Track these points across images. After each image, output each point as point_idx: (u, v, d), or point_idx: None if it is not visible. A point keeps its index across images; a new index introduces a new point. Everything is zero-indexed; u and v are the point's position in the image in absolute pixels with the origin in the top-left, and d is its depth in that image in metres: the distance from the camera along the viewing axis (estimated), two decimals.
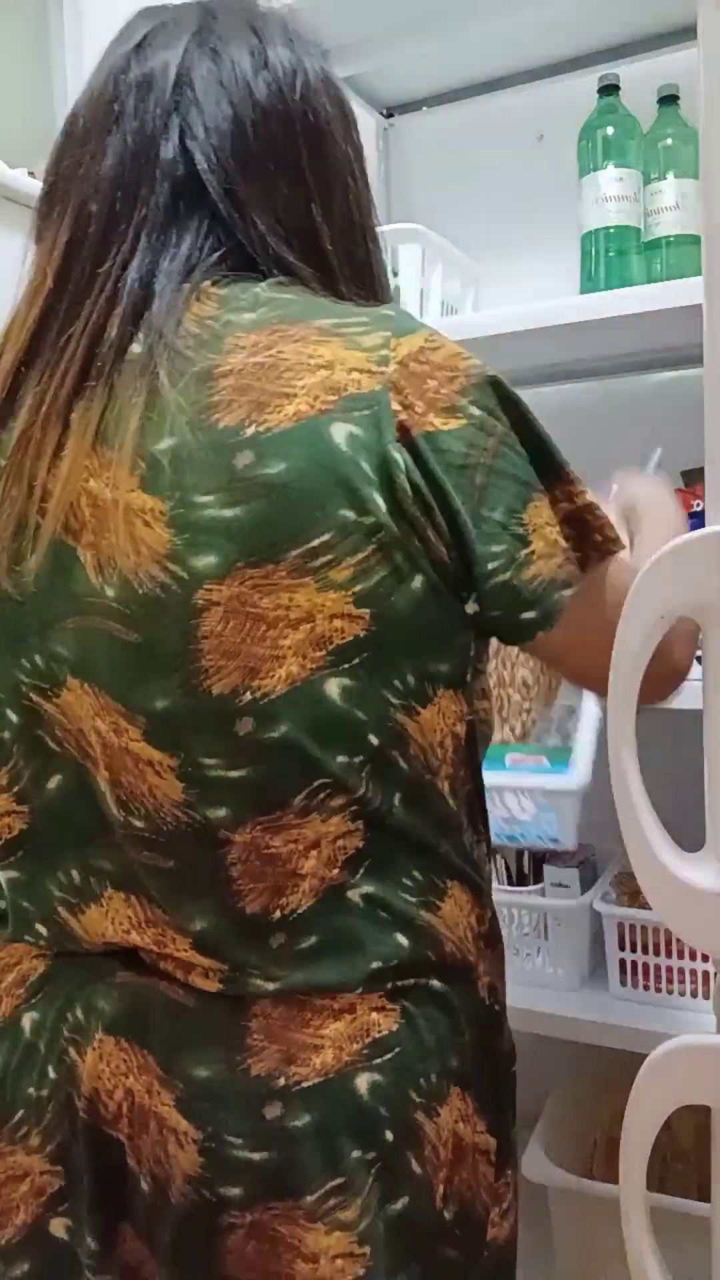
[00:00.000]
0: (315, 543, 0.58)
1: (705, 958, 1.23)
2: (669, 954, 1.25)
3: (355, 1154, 0.62)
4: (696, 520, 1.19)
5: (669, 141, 1.31)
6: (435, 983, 0.67)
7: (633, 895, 1.31)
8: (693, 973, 1.24)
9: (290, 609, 0.59)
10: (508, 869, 1.40)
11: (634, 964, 1.27)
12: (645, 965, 1.27)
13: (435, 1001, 0.66)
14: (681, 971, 1.25)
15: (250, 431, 0.59)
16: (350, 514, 0.58)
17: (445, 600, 0.63)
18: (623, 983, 1.28)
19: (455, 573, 0.62)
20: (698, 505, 1.28)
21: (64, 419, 0.62)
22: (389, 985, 0.65)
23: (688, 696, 1.09)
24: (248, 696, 0.60)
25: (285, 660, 0.59)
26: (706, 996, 1.24)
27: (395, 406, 0.59)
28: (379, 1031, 0.64)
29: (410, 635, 0.62)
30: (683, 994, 1.25)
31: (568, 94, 1.55)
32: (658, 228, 1.31)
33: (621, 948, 1.27)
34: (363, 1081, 0.63)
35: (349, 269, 0.70)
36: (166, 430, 0.60)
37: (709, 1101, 0.61)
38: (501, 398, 0.64)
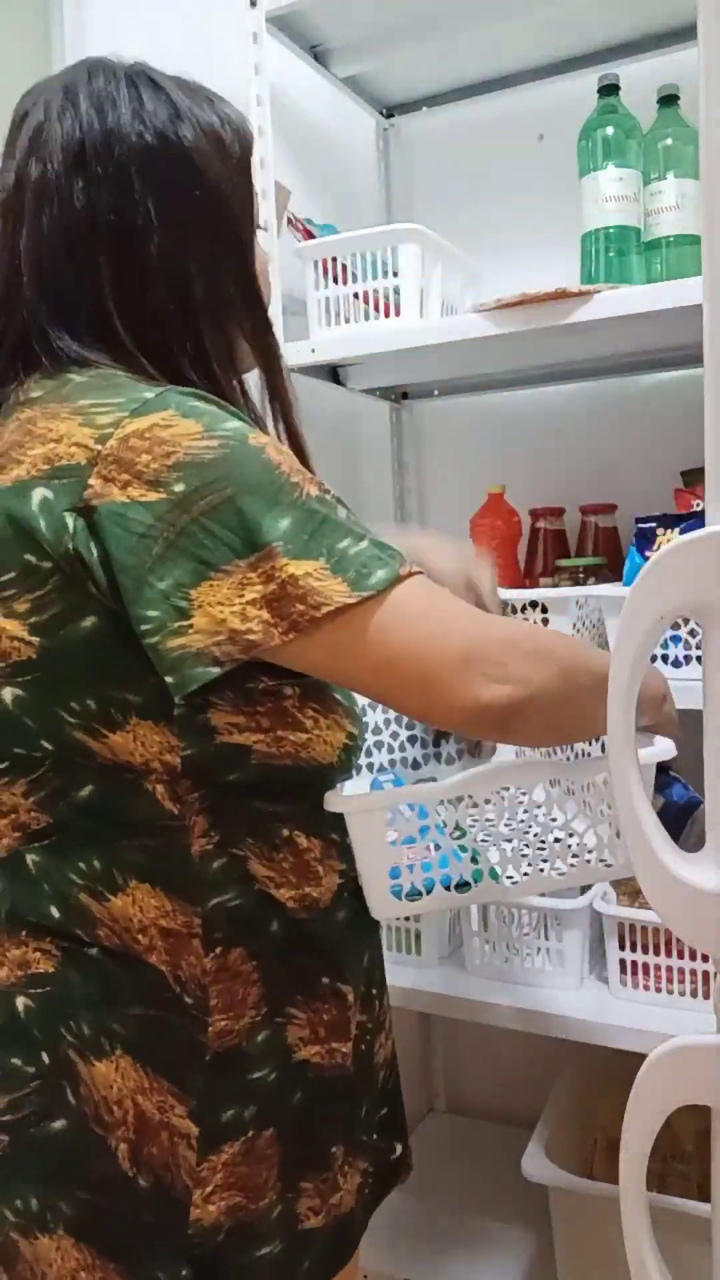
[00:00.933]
0: (3, 578, 0.69)
1: (705, 958, 1.23)
2: (669, 954, 1.25)
3: (14, 1061, 0.75)
4: (696, 520, 1.20)
5: (669, 141, 1.31)
6: (92, 951, 0.74)
7: (633, 895, 1.31)
8: (693, 973, 1.24)
9: None
10: None
11: (634, 964, 1.27)
12: (645, 965, 1.27)
13: (91, 966, 0.74)
14: (681, 971, 1.25)
15: None
16: (32, 558, 0.68)
17: (130, 641, 0.68)
18: (623, 983, 1.28)
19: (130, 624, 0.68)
20: (698, 505, 1.28)
21: None
22: (47, 940, 0.75)
23: (688, 696, 1.09)
24: None
25: None
26: (706, 996, 1.24)
27: (93, 480, 0.66)
28: (36, 968, 0.75)
29: (82, 665, 0.70)
30: (683, 994, 1.25)
31: (568, 94, 1.55)
32: (658, 228, 1.31)
33: (621, 948, 1.27)
34: (19, 1001, 0.75)
35: (157, 352, 0.75)
36: None
37: (709, 1101, 0.61)
38: (218, 477, 0.66)
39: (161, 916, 0.74)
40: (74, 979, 0.75)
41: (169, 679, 0.67)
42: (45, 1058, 0.74)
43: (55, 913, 0.75)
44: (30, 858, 0.75)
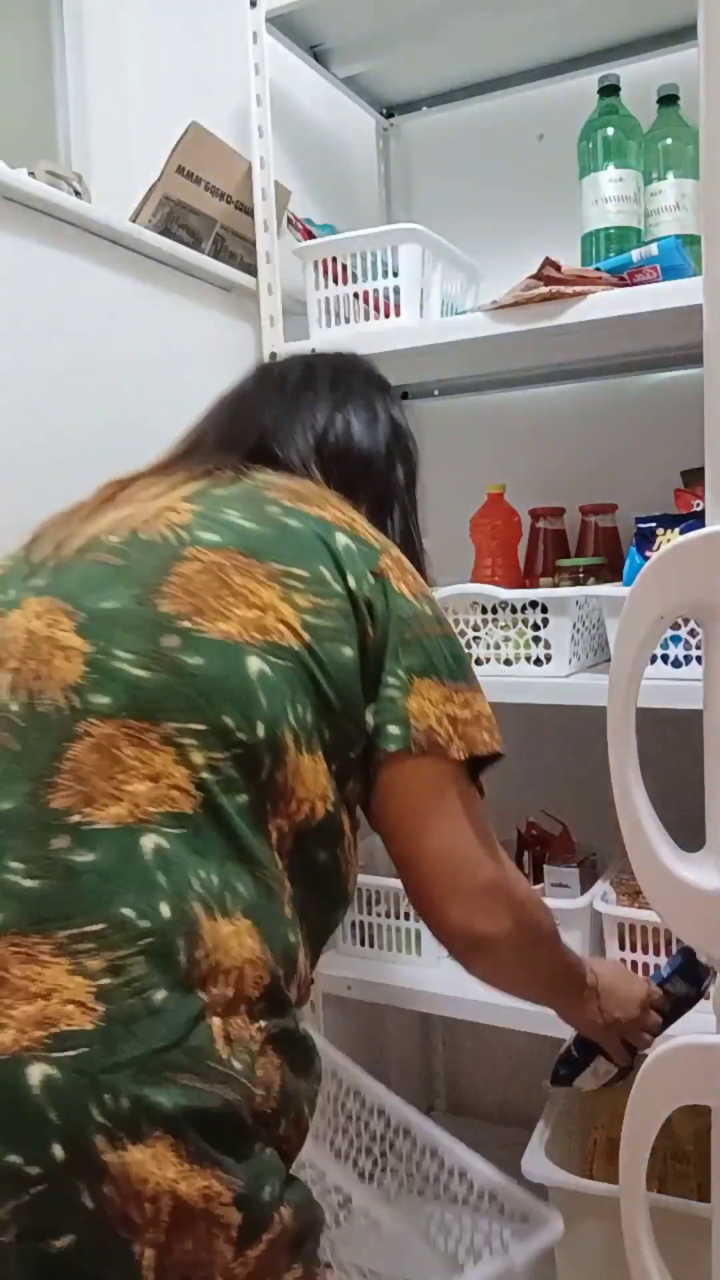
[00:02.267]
0: (192, 726, 0.69)
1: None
2: (669, 954, 1.25)
3: (12, 1158, 0.58)
4: (696, 520, 1.20)
5: (669, 141, 1.31)
6: (159, 994, 0.63)
7: (633, 895, 1.31)
8: None
9: (144, 765, 0.68)
10: None
11: (634, 964, 1.27)
12: (645, 965, 1.27)
13: (151, 1014, 0.62)
14: None
15: (184, 625, 0.72)
16: (328, 573, 0.78)
17: (356, 691, 0.77)
18: None
19: (368, 681, 0.78)
20: (698, 505, 1.27)
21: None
22: (109, 954, 0.62)
23: (688, 696, 1.09)
24: (75, 817, 0.66)
25: (121, 801, 0.67)
26: (707, 997, 1.24)
27: (384, 560, 0.81)
28: (71, 1022, 0.60)
29: (324, 681, 0.75)
30: None
31: (568, 94, 1.55)
32: (658, 228, 1.31)
33: (621, 948, 1.27)
34: (35, 1072, 0.59)
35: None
36: (112, 596, 0.73)
37: (709, 1101, 0.61)
38: (443, 615, 0.84)
39: (249, 962, 0.67)
40: (118, 1036, 0.61)
41: (395, 729, 0.78)
42: (58, 1151, 0.58)
43: (166, 911, 0.65)
44: (151, 839, 0.66)
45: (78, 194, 1.16)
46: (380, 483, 0.95)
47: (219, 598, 0.73)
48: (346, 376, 0.98)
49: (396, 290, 1.35)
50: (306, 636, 0.75)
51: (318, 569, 0.77)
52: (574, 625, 1.25)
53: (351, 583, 0.77)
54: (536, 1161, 1.24)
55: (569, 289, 1.20)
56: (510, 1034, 1.32)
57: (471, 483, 1.64)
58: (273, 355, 1.41)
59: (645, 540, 1.23)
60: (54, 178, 1.13)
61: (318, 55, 1.52)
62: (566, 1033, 1.27)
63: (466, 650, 1.31)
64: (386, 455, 0.95)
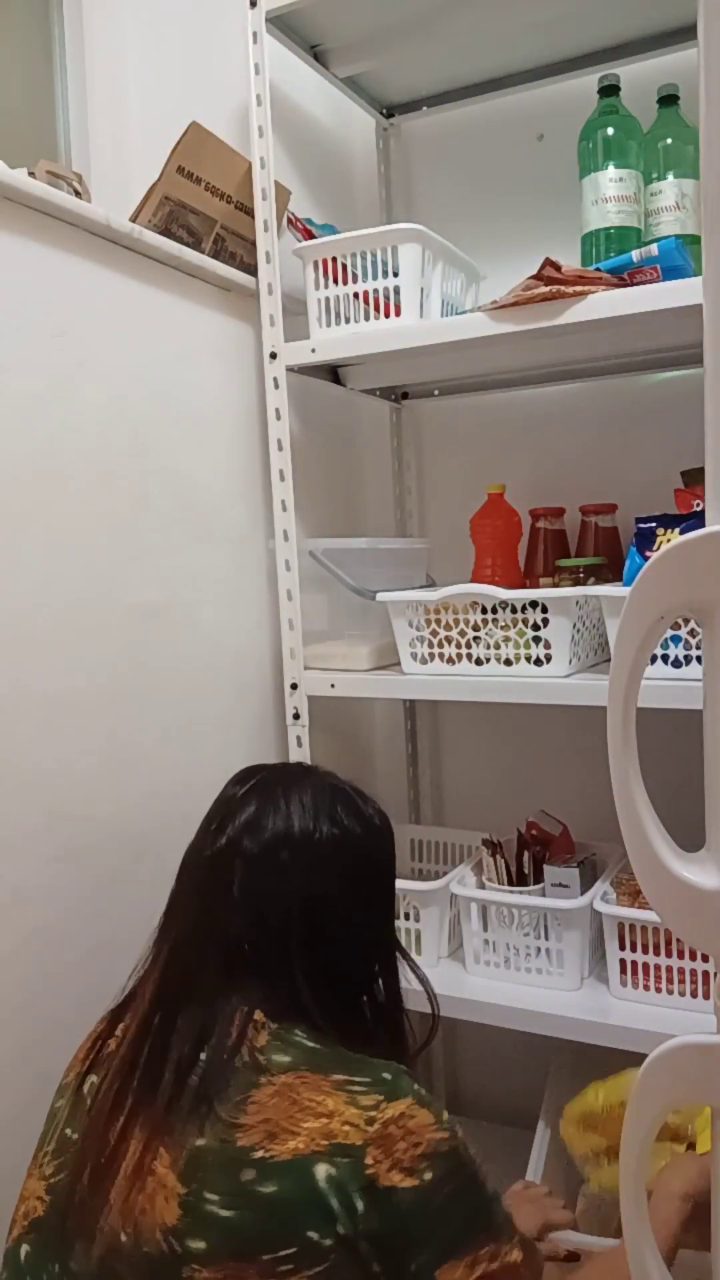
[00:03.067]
0: (282, 1253, 0.74)
1: (705, 958, 1.23)
2: (669, 954, 1.25)
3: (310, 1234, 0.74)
4: (696, 520, 1.20)
5: (669, 141, 1.31)
6: None
7: (633, 895, 1.31)
8: (693, 973, 1.24)
9: None
10: (508, 869, 1.40)
11: (634, 964, 1.27)
12: (645, 965, 1.27)
13: None
14: (681, 971, 1.25)
15: (258, 1155, 0.76)
16: (314, 1235, 0.75)
17: None
18: (623, 983, 1.28)
19: None
20: (698, 505, 1.27)
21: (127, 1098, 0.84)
22: None
23: (688, 696, 1.09)
24: None
25: None
26: (706, 996, 1.24)
27: (368, 1160, 0.76)
28: None
29: None
30: (683, 994, 1.25)
31: (568, 94, 1.55)
32: (658, 228, 1.31)
33: (621, 948, 1.27)
34: None
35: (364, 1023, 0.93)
36: (202, 1133, 0.78)
37: (709, 1101, 0.61)
38: (453, 1166, 0.79)
39: None
40: None
41: None
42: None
43: None
44: None
45: (78, 194, 1.16)
46: (349, 954, 0.93)
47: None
48: (303, 832, 0.93)
49: (396, 290, 1.35)
50: None
51: (304, 1235, 0.75)
52: (574, 625, 1.25)
53: (341, 1228, 0.75)
54: (536, 1172, 1.23)
55: (569, 289, 1.20)
56: (510, 1034, 1.32)
57: (471, 483, 1.64)
58: (273, 355, 1.41)
59: (645, 540, 1.23)
60: (54, 178, 1.13)
61: (318, 55, 1.52)
62: (566, 1032, 1.27)
63: (466, 651, 1.31)
64: (360, 916, 0.93)
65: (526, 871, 1.40)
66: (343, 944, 0.92)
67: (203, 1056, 0.83)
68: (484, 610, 1.30)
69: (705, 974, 1.23)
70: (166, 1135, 0.79)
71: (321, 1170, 0.76)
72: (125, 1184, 0.78)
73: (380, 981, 0.95)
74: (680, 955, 1.25)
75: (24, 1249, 0.83)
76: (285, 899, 0.89)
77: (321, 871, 0.91)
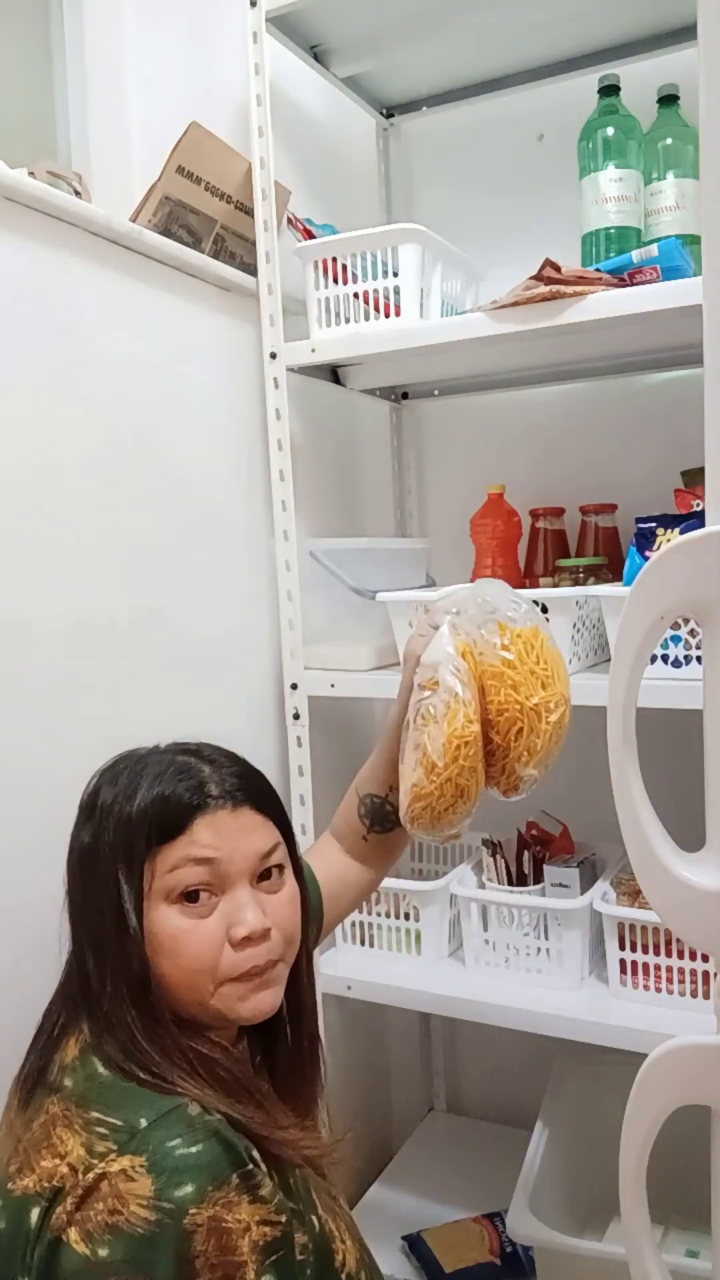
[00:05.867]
0: None
1: (705, 958, 1.23)
2: (669, 954, 1.25)
3: None
4: (696, 520, 1.20)
5: (669, 141, 1.31)
6: None
7: (633, 895, 1.31)
8: (693, 973, 1.24)
9: None
10: (508, 869, 1.40)
11: (634, 964, 1.27)
12: (645, 965, 1.27)
13: None
14: (681, 971, 1.25)
15: (7, 1185, 0.73)
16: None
17: None
18: (623, 983, 1.28)
19: None
20: (698, 505, 1.27)
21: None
22: None
23: (688, 696, 1.09)
24: None
25: None
26: (706, 996, 1.24)
27: (60, 1208, 0.69)
28: None
29: None
30: (683, 994, 1.25)
31: (568, 94, 1.55)
32: (658, 228, 1.31)
33: (621, 948, 1.27)
34: None
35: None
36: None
37: (709, 1101, 0.61)
38: (134, 1258, 0.67)
39: None
40: None
41: None
42: None
43: None
44: None
45: (78, 194, 1.16)
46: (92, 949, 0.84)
47: None
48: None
49: (396, 290, 1.35)
50: None
51: (22, 1262, 0.70)
52: (574, 625, 1.25)
53: (37, 1269, 0.70)
54: (522, 1220, 1.20)
55: (569, 289, 1.20)
56: (510, 1034, 1.32)
57: (471, 483, 1.64)
58: (273, 355, 1.41)
59: (645, 540, 1.23)
60: (54, 178, 1.13)
61: (318, 55, 1.52)
62: (566, 1032, 1.27)
63: None
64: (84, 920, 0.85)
65: (526, 871, 1.40)
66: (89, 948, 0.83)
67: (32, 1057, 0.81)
68: None
69: (705, 974, 1.23)
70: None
71: (34, 1213, 0.71)
72: None
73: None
74: (680, 955, 1.25)
75: None
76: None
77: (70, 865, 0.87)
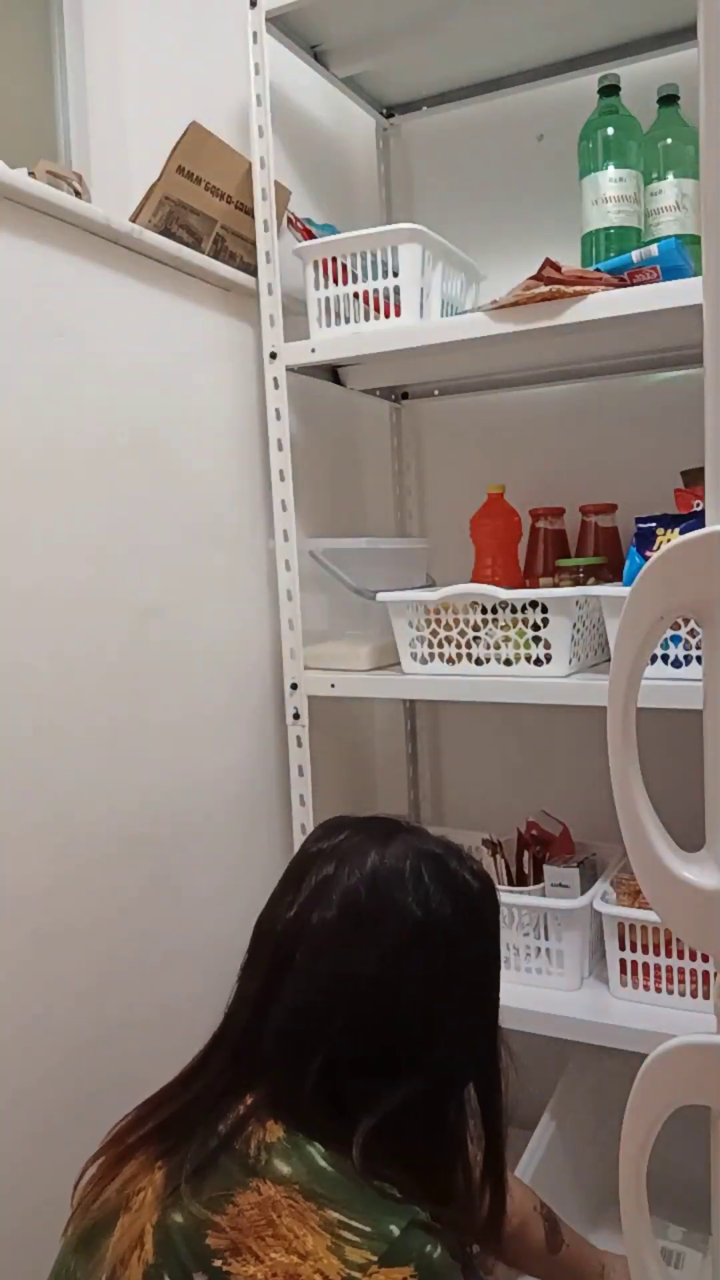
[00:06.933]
0: None
1: (705, 958, 1.23)
2: (669, 954, 1.25)
3: None
4: (696, 520, 1.20)
5: (669, 141, 1.31)
6: None
7: (633, 895, 1.31)
8: (693, 973, 1.24)
9: None
10: (508, 869, 1.40)
11: (634, 964, 1.27)
12: (645, 965, 1.27)
13: None
14: (681, 971, 1.25)
15: (216, 1264, 0.68)
16: None
17: None
18: (623, 983, 1.28)
19: None
20: (698, 505, 1.27)
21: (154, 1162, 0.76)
22: None
23: (688, 696, 1.09)
24: None
25: None
26: (706, 996, 1.24)
27: None
28: None
29: None
30: (683, 994, 1.25)
31: (568, 94, 1.55)
32: (658, 228, 1.31)
33: (621, 948, 1.27)
34: None
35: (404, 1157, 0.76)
36: (181, 1212, 0.71)
37: (709, 1102, 0.61)
38: None
39: None
40: None
41: None
42: None
43: None
44: None
45: (78, 194, 1.16)
46: (426, 1048, 0.79)
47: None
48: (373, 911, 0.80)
49: (396, 290, 1.35)
50: None
51: None
52: (574, 625, 1.25)
53: None
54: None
55: (569, 289, 1.20)
56: (510, 1034, 1.31)
57: (471, 483, 1.64)
58: (272, 355, 1.41)
59: (645, 540, 1.23)
60: (54, 178, 1.13)
61: (318, 55, 1.52)
62: (566, 1032, 1.27)
63: (466, 651, 1.31)
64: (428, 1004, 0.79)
65: (526, 871, 1.40)
66: (399, 1045, 0.78)
67: (220, 1129, 0.75)
68: (484, 610, 1.30)
69: (705, 974, 1.23)
70: (162, 1191, 0.73)
71: None
72: (129, 1223, 0.73)
73: (466, 1108, 0.82)
74: (680, 955, 1.25)
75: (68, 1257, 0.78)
76: (336, 981, 0.78)
77: (389, 955, 0.78)
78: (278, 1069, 0.77)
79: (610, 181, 1.31)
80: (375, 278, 1.36)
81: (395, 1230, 0.69)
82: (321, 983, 0.78)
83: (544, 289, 1.20)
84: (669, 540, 1.18)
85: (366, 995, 0.77)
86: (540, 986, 1.33)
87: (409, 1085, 0.77)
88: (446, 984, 0.80)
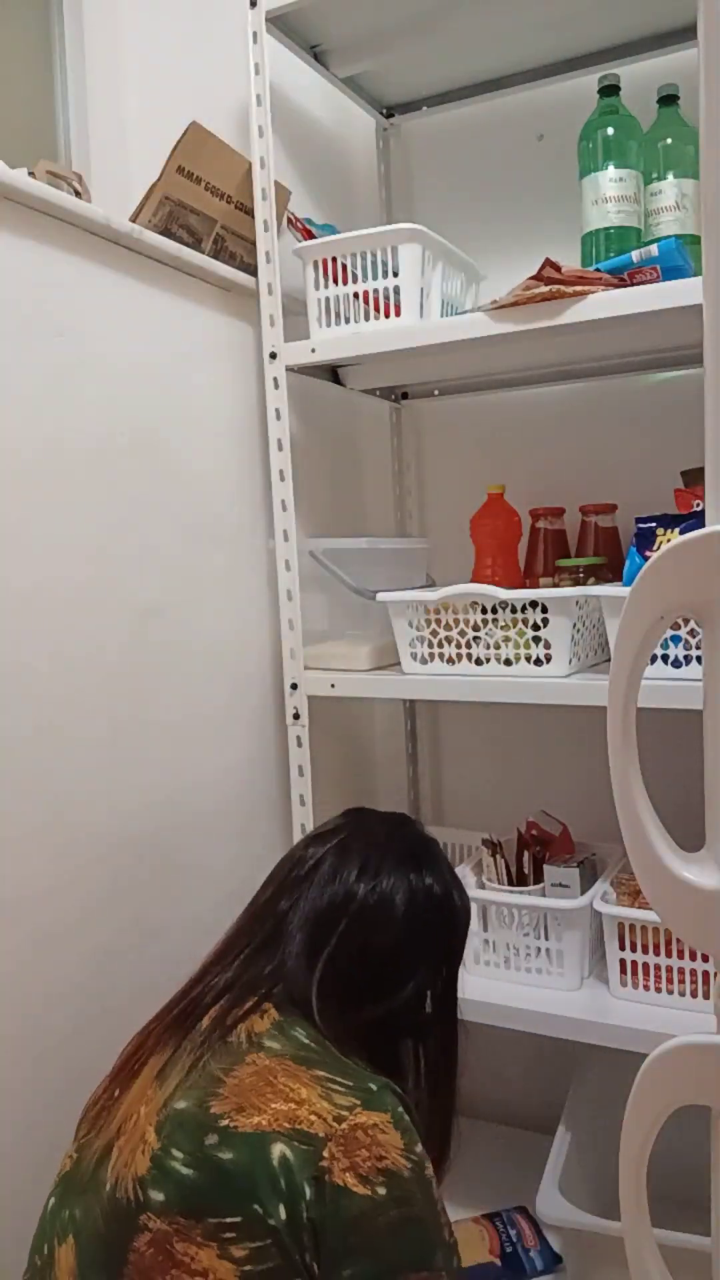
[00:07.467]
0: (228, 1219, 0.75)
1: (705, 958, 1.23)
2: (669, 954, 1.25)
3: None
4: (696, 520, 1.20)
5: (669, 141, 1.31)
6: None
7: (633, 895, 1.31)
8: (693, 973, 1.24)
9: (193, 1261, 0.75)
10: (508, 869, 1.40)
11: (634, 964, 1.27)
12: (645, 965, 1.27)
13: None
14: (681, 971, 1.25)
15: (224, 1123, 0.79)
16: (259, 1209, 0.75)
17: None
18: (623, 983, 1.28)
19: None
20: (698, 505, 1.27)
21: (150, 1055, 0.89)
22: None
23: (688, 696, 1.09)
24: None
25: None
26: (706, 996, 1.24)
27: (325, 1154, 0.77)
28: None
29: None
30: (683, 994, 1.25)
31: (568, 94, 1.55)
32: (658, 228, 1.31)
33: (621, 948, 1.27)
34: None
35: (368, 1041, 0.90)
36: (183, 1096, 0.81)
37: (709, 1102, 0.61)
38: (407, 1194, 0.79)
39: None
40: None
41: None
42: None
43: None
44: None
45: (78, 194, 1.16)
46: (395, 988, 0.94)
47: (165, 1277, 0.76)
48: (377, 860, 0.98)
49: (396, 290, 1.35)
50: None
51: (250, 1207, 0.76)
52: (574, 625, 1.25)
53: (283, 1212, 0.76)
54: (551, 1201, 1.20)
55: (569, 289, 1.20)
56: (511, 1034, 1.32)
57: (471, 483, 1.64)
58: (272, 355, 1.41)
59: (645, 540, 1.23)
60: (54, 178, 1.13)
61: (318, 55, 1.52)
62: (566, 1032, 1.27)
63: (466, 651, 1.31)
64: (405, 953, 0.95)
65: (526, 871, 1.40)
66: (378, 969, 0.93)
67: (218, 1005, 0.88)
68: (484, 610, 1.30)
69: (705, 974, 1.23)
70: (167, 1070, 0.84)
71: (278, 1149, 0.77)
72: (124, 1142, 0.81)
73: (413, 1041, 0.97)
74: (680, 955, 1.25)
75: (50, 1202, 0.86)
76: (342, 908, 0.93)
77: (387, 900, 0.95)
78: (293, 963, 0.91)
79: (610, 181, 1.31)
80: (375, 278, 1.36)
81: (374, 1087, 0.82)
82: (333, 899, 0.94)
83: (544, 289, 1.20)
84: (669, 540, 1.18)
85: (364, 916, 0.93)
86: (540, 986, 1.33)
87: (381, 1007, 0.92)
88: (419, 935, 0.96)
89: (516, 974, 1.35)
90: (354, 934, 0.93)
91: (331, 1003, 0.89)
